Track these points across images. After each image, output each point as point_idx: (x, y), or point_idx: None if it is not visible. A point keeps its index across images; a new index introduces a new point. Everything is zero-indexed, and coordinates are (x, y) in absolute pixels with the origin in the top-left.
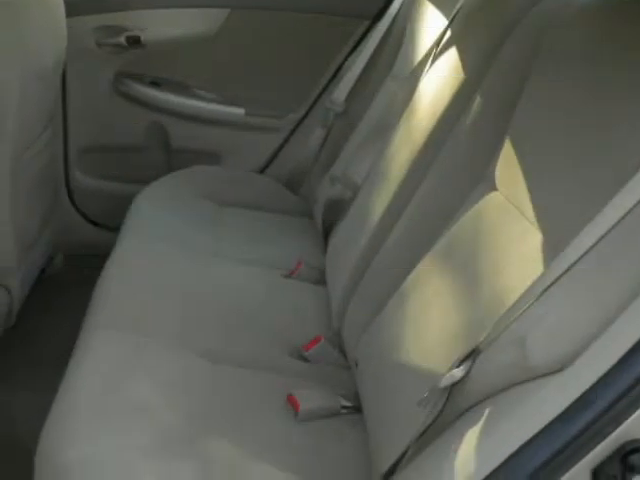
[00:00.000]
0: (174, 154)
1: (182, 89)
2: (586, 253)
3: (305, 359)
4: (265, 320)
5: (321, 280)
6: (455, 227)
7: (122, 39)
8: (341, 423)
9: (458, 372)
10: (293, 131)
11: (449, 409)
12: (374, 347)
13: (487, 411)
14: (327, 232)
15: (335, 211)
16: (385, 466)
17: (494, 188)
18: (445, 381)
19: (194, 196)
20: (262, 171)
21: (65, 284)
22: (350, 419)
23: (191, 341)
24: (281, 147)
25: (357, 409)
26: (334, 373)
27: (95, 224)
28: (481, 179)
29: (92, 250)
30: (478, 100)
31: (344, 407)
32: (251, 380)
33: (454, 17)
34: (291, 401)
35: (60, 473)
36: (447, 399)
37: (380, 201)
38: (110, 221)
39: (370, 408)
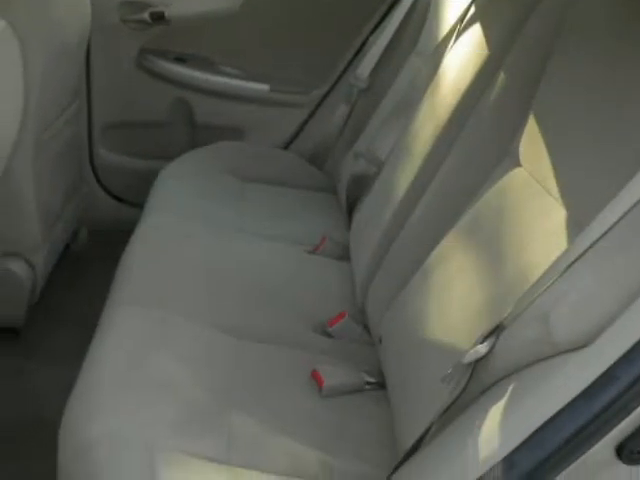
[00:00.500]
0: (198, 130)
1: (207, 65)
2: (610, 229)
3: (329, 335)
4: (289, 296)
5: (345, 256)
6: (479, 203)
7: (146, 15)
8: (365, 399)
9: (482, 348)
10: (317, 107)
11: (473, 385)
12: (398, 323)
13: (511, 387)
14: (351, 208)
15: (359, 187)
16: (409, 442)
17: (518, 164)
18: (469, 357)
19: (218, 172)
20: (286, 147)
21: (89, 260)
22: (374, 395)
23: (215, 317)
24: (305, 123)
25: (381, 385)
26: (358, 349)
27: (119, 200)
28: (505, 155)
29: (116, 226)
30: (502, 76)
31: (368, 383)
32: (275, 356)
33: None
34: (315, 377)
35: (84, 448)
36: (471, 375)
37: (404, 177)
38: (134, 197)
39: (394, 384)
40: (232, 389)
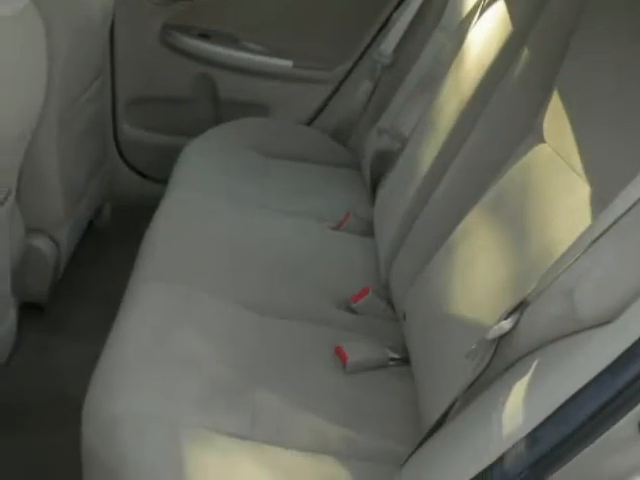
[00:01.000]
0: (222, 106)
1: (230, 41)
2: (634, 205)
3: (353, 311)
4: (313, 272)
5: (369, 232)
6: (503, 179)
7: None
8: (388, 375)
9: (506, 324)
10: (341, 83)
11: (497, 361)
12: (422, 299)
13: (535, 363)
14: (375, 184)
15: (383, 163)
16: (433, 418)
17: (542, 140)
18: (493, 333)
19: (242, 148)
20: (310, 123)
21: (112, 236)
22: (398, 371)
23: (239, 293)
24: (329, 99)
25: (405, 361)
26: (382, 325)
27: (143, 176)
28: (529, 131)
29: (140, 202)
30: (526, 52)
31: (392, 359)
32: (299, 332)
33: None
34: (339, 353)
35: (108, 425)
36: (495, 351)
37: (428, 153)
38: (158, 173)
39: (418, 360)
40: (256, 365)
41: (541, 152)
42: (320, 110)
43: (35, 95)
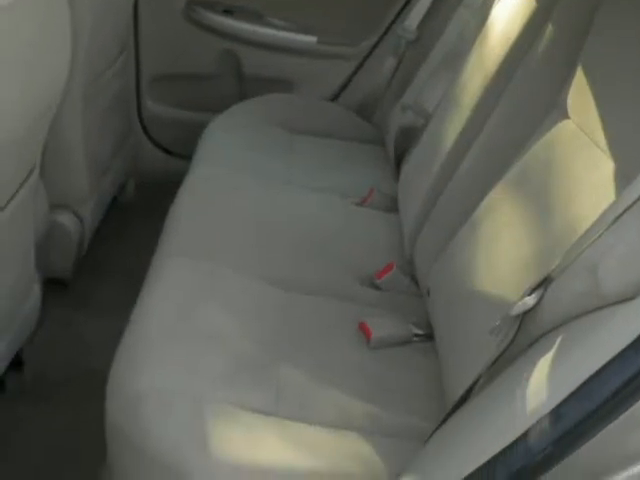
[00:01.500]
0: (246, 82)
1: (254, 17)
2: None
3: (377, 287)
4: (337, 248)
5: (393, 208)
6: (527, 155)
7: None
8: (413, 351)
9: (530, 300)
10: (365, 59)
11: (521, 337)
12: (446, 275)
13: (559, 339)
14: (399, 160)
15: (407, 139)
16: (457, 394)
17: (566, 116)
18: (517, 309)
19: (266, 124)
20: (334, 99)
21: (137, 212)
22: (422, 347)
23: (263, 269)
24: (353, 75)
25: (429, 337)
26: (406, 301)
27: (167, 152)
28: (553, 107)
29: (164, 178)
30: (550, 28)
31: (416, 335)
32: (323, 308)
33: None
34: (363, 329)
35: (132, 400)
36: (519, 327)
37: (452, 129)
38: (182, 149)
39: (442, 336)
40: (280, 341)
41: (565, 128)
42: (344, 86)
43: (59, 70)
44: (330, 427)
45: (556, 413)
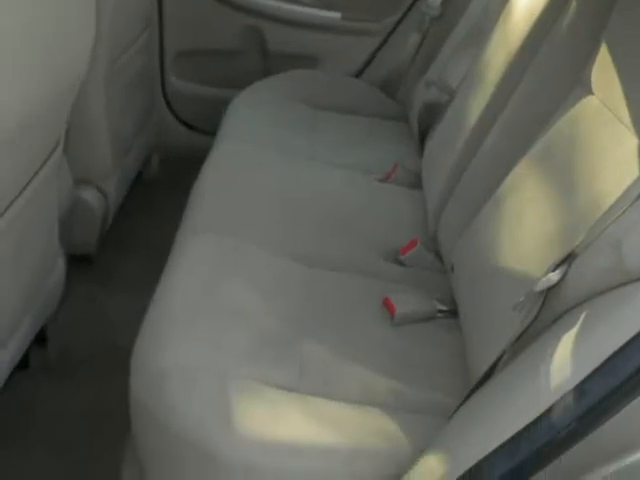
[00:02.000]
0: (270, 58)
1: None
2: None
3: (401, 263)
4: (361, 224)
5: (417, 184)
6: (551, 131)
7: None
8: (436, 327)
9: (554, 276)
10: (389, 35)
11: (545, 313)
12: (470, 251)
13: (583, 315)
14: (423, 136)
15: (431, 115)
16: (481, 370)
17: (590, 92)
18: (541, 285)
19: (291, 100)
20: (358, 75)
21: (160, 188)
22: (446, 323)
23: (287, 245)
24: (377, 51)
25: (453, 313)
26: (430, 277)
27: (191, 127)
28: (577, 83)
29: (188, 153)
30: (574, 4)
31: (440, 311)
32: (347, 284)
33: None
34: (387, 305)
35: (156, 376)
36: (543, 303)
37: (476, 105)
38: (206, 125)
39: (466, 312)
40: (304, 317)
41: (589, 104)
42: (368, 62)
43: (83, 46)
44: (354, 403)
45: (580, 389)
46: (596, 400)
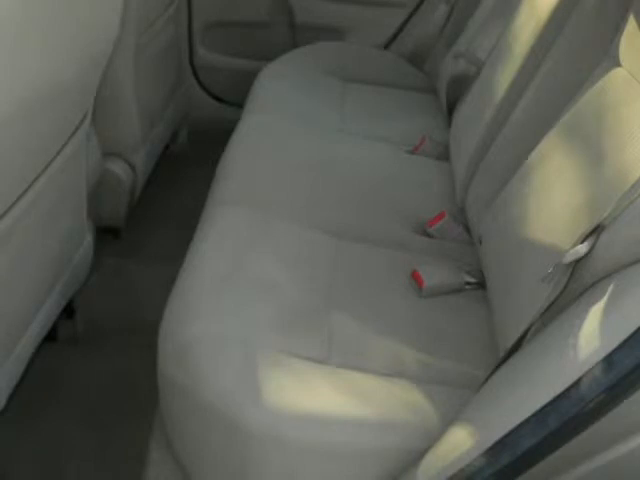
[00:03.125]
0: (298, 30)
1: None
2: None
3: (429, 235)
4: (390, 196)
5: (445, 156)
6: (579, 103)
7: None
8: (465, 299)
9: (582, 248)
10: (417, 7)
11: (573, 285)
12: (498, 223)
13: (611, 287)
14: (451, 108)
15: (459, 87)
16: (509, 342)
17: (618, 64)
18: (569, 257)
19: (318, 72)
20: (386, 47)
21: (189, 160)
22: (473, 295)
23: (315, 217)
24: (405, 23)
25: (481, 285)
26: (458, 249)
27: (219, 100)
28: (605, 55)
29: (216, 126)
30: None
31: (467, 283)
32: (375, 256)
33: None
34: (415, 277)
35: (183, 348)
36: (571, 275)
37: (504, 77)
38: (233, 97)
39: (494, 284)
40: (332, 290)
41: (617, 76)
42: (396, 34)
43: (111, 18)
44: (382, 375)
45: (608, 361)
46: (625, 372)
